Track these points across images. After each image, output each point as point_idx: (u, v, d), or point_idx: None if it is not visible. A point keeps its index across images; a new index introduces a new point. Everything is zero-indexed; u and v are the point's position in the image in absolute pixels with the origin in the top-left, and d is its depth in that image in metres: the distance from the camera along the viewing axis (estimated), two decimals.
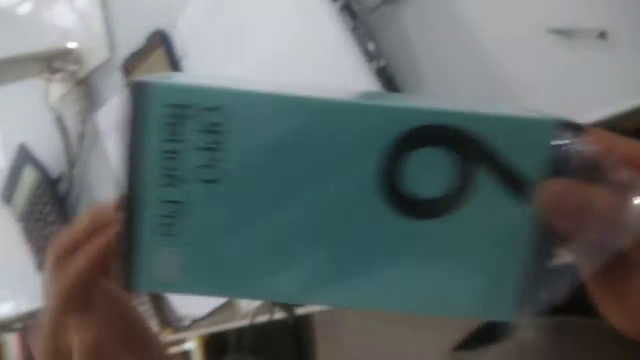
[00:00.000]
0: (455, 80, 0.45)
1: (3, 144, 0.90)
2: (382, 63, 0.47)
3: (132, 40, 0.68)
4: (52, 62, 0.74)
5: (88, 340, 0.30)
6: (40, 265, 0.80)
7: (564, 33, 0.39)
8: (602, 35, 0.38)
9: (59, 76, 0.75)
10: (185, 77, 0.30)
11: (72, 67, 0.75)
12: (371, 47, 0.48)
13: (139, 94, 0.23)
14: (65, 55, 0.74)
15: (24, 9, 0.88)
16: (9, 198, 0.84)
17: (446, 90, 0.45)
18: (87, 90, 0.75)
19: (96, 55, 0.74)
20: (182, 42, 0.63)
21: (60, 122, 0.75)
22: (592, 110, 0.38)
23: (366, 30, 0.48)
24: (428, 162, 0.24)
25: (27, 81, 0.76)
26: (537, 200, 0.23)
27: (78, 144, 0.74)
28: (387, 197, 0.24)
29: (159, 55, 0.64)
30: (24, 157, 0.79)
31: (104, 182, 0.74)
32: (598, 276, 0.23)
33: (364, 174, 0.24)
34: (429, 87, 0.46)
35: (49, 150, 0.78)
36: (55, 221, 0.76)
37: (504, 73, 0.42)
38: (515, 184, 0.24)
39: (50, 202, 0.76)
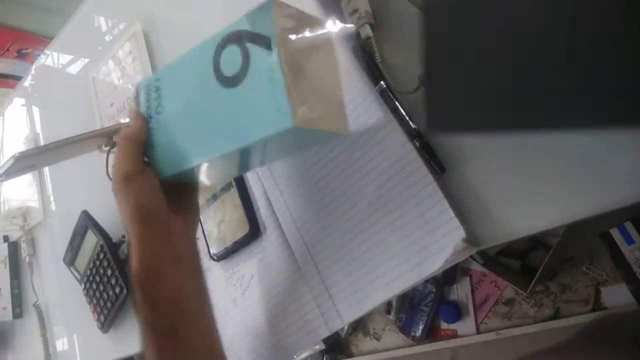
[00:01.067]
0: (493, 150, 0.48)
1: (68, 210, 0.96)
2: (424, 139, 0.51)
3: None
4: (111, 135, 0.80)
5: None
6: (102, 326, 0.84)
7: None
8: None
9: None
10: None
11: None
12: (412, 125, 0.51)
13: (137, 84, 0.55)
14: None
15: (86, 93, 0.96)
16: (72, 261, 0.90)
17: (486, 164, 0.48)
18: None
19: None
20: None
21: None
22: (633, 191, 0.40)
23: (405, 110, 0.51)
24: (231, 54, 0.44)
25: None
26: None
27: None
28: (216, 76, 0.45)
29: None
30: (86, 222, 0.85)
31: None
32: None
33: (207, 74, 0.46)
34: (467, 158, 0.49)
35: (110, 217, 0.84)
36: (115, 283, 0.80)
37: (540, 151, 0.45)
38: (265, 42, 0.41)
39: (111, 265, 0.81)
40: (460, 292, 1.36)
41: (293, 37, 0.42)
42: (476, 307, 1.33)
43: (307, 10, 0.59)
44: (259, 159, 0.53)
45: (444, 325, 1.38)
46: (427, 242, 0.49)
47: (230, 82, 0.44)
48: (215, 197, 0.68)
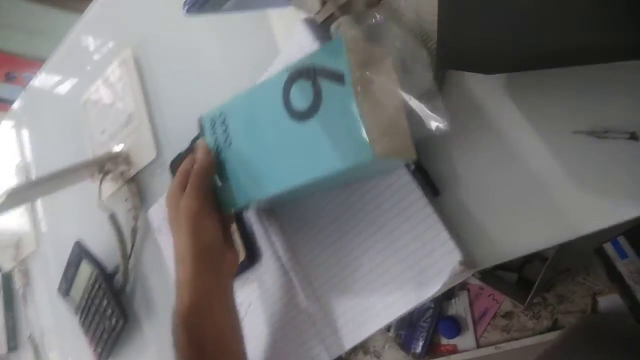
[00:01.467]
0: (487, 172, 0.48)
1: (61, 239, 0.95)
2: (419, 162, 0.51)
3: (175, 141, 0.74)
4: (103, 164, 0.80)
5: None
6: (99, 358, 0.83)
7: (593, 134, 0.41)
8: (634, 136, 0.39)
9: (109, 176, 0.81)
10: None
11: (121, 168, 0.80)
12: None
13: (200, 118, 0.56)
14: (115, 157, 0.80)
15: (77, 119, 0.96)
16: (66, 291, 0.88)
17: (480, 186, 0.48)
18: (136, 188, 0.80)
19: (144, 156, 0.79)
20: None
21: (113, 218, 0.80)
22: (627, 208, 0.41)
23: None
24: (301, 89, 0.45)
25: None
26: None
27: (131, 239, 0.79)
28: (287, 110, 0.46)
29: None
30: (80, 252, 0.84)
31: (157, 274, 0.78)
32: None
33: (277, 109, 0.47)
34: (461, 180, 0.49)
35: (104, 246, 0.83)
36: (111, 314, 0.79)
37: (533, 171, 0.45)
38: (338, 77, 0.42)
39: (106, 295, 0.80)
40: (459, 306, 1.36)
41: (363, 69, 0.43)
42: (475, 321, 1.33)
43: (297, 33, 0.59)
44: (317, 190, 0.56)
45: (444, 341, 1.37)
46: (423, 266, 0.49)
47: (302, 116, 0.45)
48: None
